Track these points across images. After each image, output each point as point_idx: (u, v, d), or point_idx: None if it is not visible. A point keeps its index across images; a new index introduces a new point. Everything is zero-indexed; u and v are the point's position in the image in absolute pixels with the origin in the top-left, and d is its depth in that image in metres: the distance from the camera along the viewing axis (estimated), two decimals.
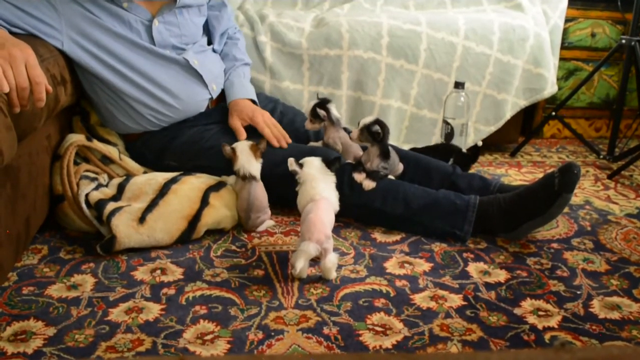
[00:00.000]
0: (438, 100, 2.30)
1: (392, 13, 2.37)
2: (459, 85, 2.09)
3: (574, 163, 1.61)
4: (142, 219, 1.54)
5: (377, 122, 1.67)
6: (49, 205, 1.62)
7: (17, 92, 1.24)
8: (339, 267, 1.48)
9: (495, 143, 2.56)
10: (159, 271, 1.46)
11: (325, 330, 1.24)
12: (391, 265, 1.52)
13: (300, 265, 1.38)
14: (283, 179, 1.66)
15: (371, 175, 1.69)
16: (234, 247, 1.60)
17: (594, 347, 1.18)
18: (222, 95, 1.96)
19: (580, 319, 1.31)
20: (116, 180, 1.71)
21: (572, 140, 2.79)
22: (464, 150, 2.04)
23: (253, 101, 1.93)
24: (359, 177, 1.69)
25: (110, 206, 1.56)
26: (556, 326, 1.28)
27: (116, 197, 1.64)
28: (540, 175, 1.80)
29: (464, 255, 1.59)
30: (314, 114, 1.79)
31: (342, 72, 2.23)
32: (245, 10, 2.35)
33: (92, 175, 1.69)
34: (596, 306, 1.36)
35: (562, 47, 2.60)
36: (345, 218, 1.76)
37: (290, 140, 1.84)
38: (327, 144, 1.83)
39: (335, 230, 1.67)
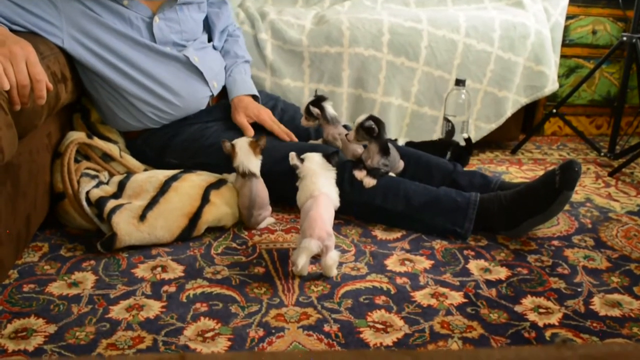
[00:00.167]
0: (439, 98, 2.30)
1: (393, 10, 2.37)
2: (459, 82, 2.09)
3: (575, 160, 1.61)
4: (142, 217, 1.54)
5: (371, 118, 1.67)
6: (49, 203, 1.62)
7: (18, 89, 1.24)
8: (340, 264, 1.48)
9: (496, 140, 2.56)
10: (159, 269, 1.46)
11: (326, 328, 1.24)
12: (392, 263, 1.52)
13: (302, 262, 1.38)
14: (284, 177, 1.66)
15: (372, 172, 1.69)
16: (234, 245, 1.60)
17: (595, 344, 1.18)
18: (223, 92, 1.96)
19: (581, 316, 1.31)
20: (117, 178, 1.71)
21: (573, 138, 2.78)
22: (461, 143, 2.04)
23: (255, 97, 1.94)
24: (359, 174, 1.69)
25: (111, 204, 1.56)
26: (557, 323, 1.28)
27: (117, 195, 1.64)
28: (541, 173, 1.80)
29: (465, 252, 1.59)
30: (308, 111, 1.79)
31: (342, 69, 2.23)
32: (246, 8, 2.35)
33: (92, 172, 1.69)
34: (597, 303, 1.36)
35: (563, 45, 2.59)
36: (346, 215, 1.76)
37: (294, 137, 1.85)
38: (327, 141, 1.84)
39: (336, 227, 1.67)
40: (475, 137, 2.39)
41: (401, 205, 1.68)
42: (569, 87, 2.69)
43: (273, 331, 1.23)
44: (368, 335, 1.22)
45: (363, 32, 2.21)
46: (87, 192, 1.59)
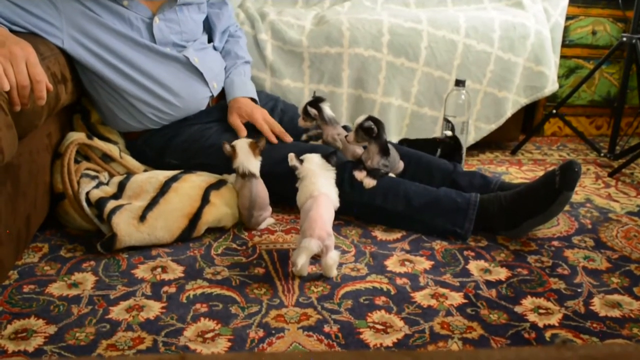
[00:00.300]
0: (439, 98, 2.30)
1: (393, 11, 2.37)
2: (459, 83, 2.09)
3: (575, 161, 1.61)
4: (142, 217, 1.54)
5: (370, 118, 1.67)
6: (49, 204, 1.62)
7: (18, 90, 1.24)
8: (340, 265, 1.48)
9: (496, 141, 2.56)
10: (159, 269, 1.46)
11: (326, 328, 1.24)
12: (392, 263, 1.52)
13: (302, 262, 1.38)
14: (284, 177, 1.66)
15: (372, 173, 1.69)
16: (234, 245, 1.60)
17: (595, 345, 1.17)
18: (223, 93, 1.96)
19: (581, 316, 1.31)
20: (117, 179, 1.71)
21: (573, 138, 2.78)
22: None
23: (253, 99, 1.93)
24: (359, 175, 1.69)
25: (111, 204, 1.56)
26: (557, 324, 1.28)
27: (117, 196, 1.64)
28: (541, 173, 1.80)
29: (465, 253, 1.59)
30: (305, 112, 1.79)
31: (342, 70, 2.23)
32: (246, 9, 2.35)
33: (92, 173, 1.69)
34: (597, 304, 1.36)
35: (563, 45, 2.59)
36: (346, 216, 1.76)
37: (290, 138, 1.85)
38: (327, 142, 1.84)
39: (336, 228, 1.67)
40: (475, 137, 2.39)
41: (401, 206, 1.68)
42: (568, 88, 2.69)
43: (273, 332, 1.23)
44: (368, 335, 1.22)
45: (363, 33, 2.21)
46: (87, 193, 1.59)
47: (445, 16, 2.33)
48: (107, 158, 1.78)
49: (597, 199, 2.01)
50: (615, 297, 1.40)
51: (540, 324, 1.28)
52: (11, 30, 1.46)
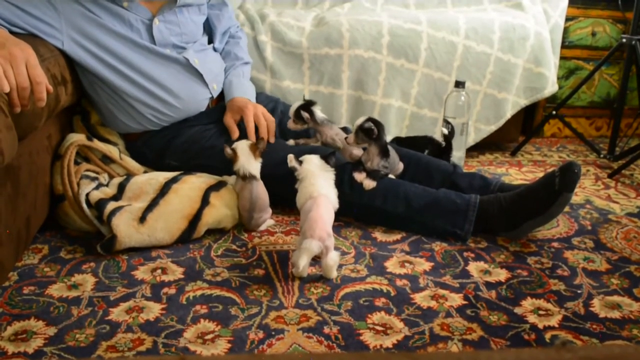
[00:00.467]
0: (438, 100, 2.30)
1: (393, 12, 2.37)
2: (459, 84, 2.09)
3: (575, 162, 1.61)
4: (142, 219, 1.54)
5: (370, 120, 1.67)
6: (49, 205, 1.62)
7: (18, 91, 1.24)
8: (340, 266, 1.48)
9: (495, 142, 2.56)
10: (159, 271, 1.46)
11: (326, 330, 1.24)
12: (392, 265, 1.52)
13: (303, 263, 1.38)
14: (284, 179, 1.66)
15: (371, 174, 1.69)
16: (234, 247, 1.60)
17: (595, 346, 1.18)
18: (223, 94, 1.95)
19: (581, 318, 1.31)
20: (117, 180, 1.71)
21: (573, 140, 2.78)
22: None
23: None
24: (359, 176, 1.69)
25: (111, 206, 1.56)
26: (557, 325, 1.28)
27: (117, 197, 1.64)
28: (541, 175, 1.80)
29: (465, 254, 1.59)
30: (297, 115, 1.79)
31: (342, 71, 2.23)
32: (246, 10, 2.35)
33: (92, 174, 1.69)
34: (597, 305, 1.36)
35: (563, 46, 2.60)
36: (346, 217, 1.76)
37: (272, 140, 1.83)
38: (326, 143, 1.83)
39: (336, 229, 1.67)
40: (475, 138, 2.40)
41: (401, 207, 1.68)
42: (568, 89, 2.69)
43: (273, 333, 1.23)
44: (368, 337, 1.22)
45: (363, 34, 2.22)
46: (87, 194, 1.59)
47: (445, 17, 2.33)
48: (107, 159, 1.78)
49: (596, 200, 2.01)
50: (615, 298, 1.40)
51: (540, 325, 1.28)
52: (11, 32, 1.47)
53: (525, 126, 2.69)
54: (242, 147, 1.68)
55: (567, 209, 1.84)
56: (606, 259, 1.58)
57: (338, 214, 1.58)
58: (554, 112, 2.54)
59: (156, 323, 1.25)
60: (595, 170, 2.36)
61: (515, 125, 2.52)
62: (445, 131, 2.00)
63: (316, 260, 1.47)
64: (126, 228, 1.51)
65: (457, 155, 2.11)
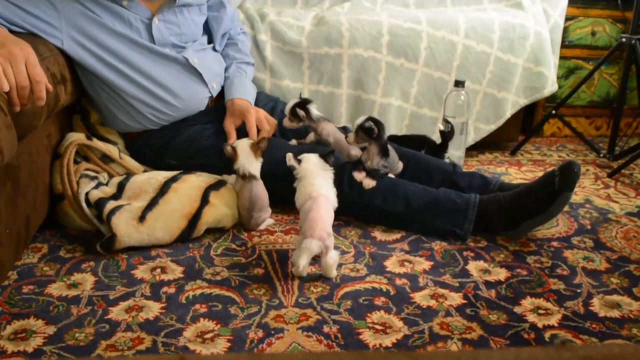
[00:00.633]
0: (438, 99, 2.30)
1: (393, 11, 2.37)
2: (459, 83, 2.09)
3: (574, 161, 1.61)
4: (142, 218, 1.54)
5: (370, 119, 1.67)
6: (49, 204, 1.62)
7: (17, 90, 1.24)
8: (339, 265, 1.48)
9: (495, 142, 2.56)
10: (159, 270, 1.46)
11: (326, 329, 1.24)
12: (391, 264, 1.52)
13: (303, 263, 1.39)
14: (284, 178, 1.65)
15: (371, 173, 1.69)
16: (234, 246, 1.60)
17: (595, 346, 1.18)
18: (222, 93, 1.95)
19: (581, 317, 1.31)
20: (116, 179, 1.71)
21: (573, 139, 2.78)
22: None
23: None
24: (359, 175, 1.69)
25: (111, 205, 1.56)
26: (556, 325, 1.28)
27: (116, 196, 1.64)
28: (541, 174, 1.80)
29: (464, 253, 1.59)
30: (293, 113, 1.79)
31: (342, 70, 2.23)
32: (246, 9, 2.35)
33: (92, 174, 1.69)
34: (596, 305, 1.36)
35: (563, 46, 2.60)
36: (346, 216, 1.76)
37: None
38: (322, 140, 1.83)
39: (336, 228, 1.67)
40: (474, 138, 2.40)
41: (401, 207, 1.68)
42: (568, 88, 2.69)
43: (272, 332, 1.23)
44: (367, 336, 1.22)
45: (362, 34, 2.21)
46: (87, 193, 1.59)
47: (444, 17, 2.33)
48: (106, 158, 1.78)
49: (596, 200, 2.01)
50: (615, 297, 1.40)
51: (540, 325, 1.28)
52: (10, 31, 1.46)
53: (525, 125, 2.69)
54: (243, 147, 1.68)
55: (566, 208, 1.84)
56: (606, 259, 1.58)
57: (338, 213, 1.58)
58: (553, 112, 2.54)
59: (156, 322, 1.25)
60: (594, 169, 2.36)
61: (515, 124, 2.52)
62: (442, 127, 2.00)
63: (316, 259, 1.47)
64: (126, 227, 1.51)
65: (457, 154, 2.11)
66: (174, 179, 1.67)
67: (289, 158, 1.58)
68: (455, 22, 2.30)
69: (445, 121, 2.10)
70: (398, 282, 1.44)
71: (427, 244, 1.64)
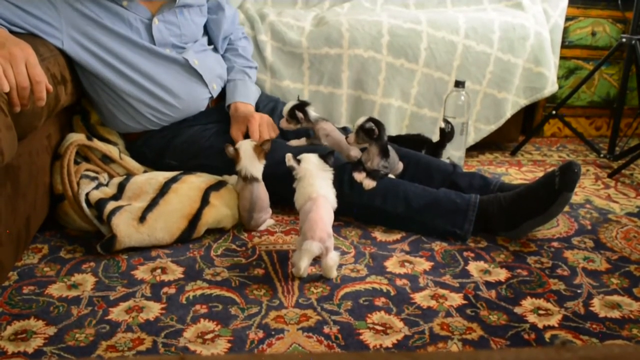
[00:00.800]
0: (438, 99, 2.30)
1: (393, 12, 2.37)
2: (459, 84, 2.09)
3: (575, 162, 1.61)
4: (142, 218, 1.54)
5: (371, 120, 1.67)
6: (49, 205, 1.62)
7: (18, 91, 1.24)
8: (340, 266, 1.48)
9: (495, 142, 2.56)
10: (159, 270, 1.46)
11: (326, 329, 1.24)
12: (391, 264, 1.52)
13: (304, 265, 1.39)
14: (284, 178, 1.65)
15: (371, 174, 1.69)
16: (234, 246, 1.60)
17: (595, 346, 1.18)
18: (223, 94, 1.95)
19: (581, 317, 1.31)
20: (116, 180, 1.71)
21: (573, 139, 2.78)
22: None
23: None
24: (359, 176, 1.69)
25: (111, 205, 1.56)
26: (556, 325, 1.28)
27: (116, 197, 1.64)
28: (541, 174, 1.80)
29: (465, 254, 1.59)
30: (291, 115, 1.79)
31: (342, 71, 2.23)
32: (246, 10, 2.35)
33: (92, 174, 1.69)
34: (596, 305, 1.36)
35: (563, 46, 2.60)
36: (346, 217, 1.76)
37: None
38: (318, 136, 1.83)
39: (336, 229, 1.67)
40: (475, 138, 2.40)
41: (401, 207, 1.68)
42: (568, 89, 2.69)
43: (273, 333, 1.23)
44: (368, 337, 1.22)
45: (362, 34, 2.21)
46: (87, 194, 1.59)
47: (444, 17, 2.33)
48: (106, 159, 1.78)
49: (596, 200, 2.01)
50: (615, 298, 1.40)
51: (540, 325, 1.28)
52: (11, 31, 1.47)
53: (525, 126, 2.69)
54: (246, 149, 1.67)
55: (567, 208, 1.83)
56: (606, 259, 1.58)
57: (338, 214, 1.58)
58: (553, 112, 2.54)
59: (156, 323, 1.25)
60: (595, 169, 2.36)
61: (515, 125, 2.52)
62: (442, 124, 2.00)
63: (316, 260, 1.47)
64: (126, 228, 1.51)
65: (457, 155, 2.11)
66: (174, 180, 1.67)
67: (289, 158, 1.57)
68: (455, 23, 2.30)
69: (446, 121, 2.10)
70: (398, 282, 1.44)
71: (427, 244, 1.64)
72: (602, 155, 2.49)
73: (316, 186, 1.53)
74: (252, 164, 1.66)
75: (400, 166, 1.81)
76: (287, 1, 2.56)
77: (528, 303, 1.36)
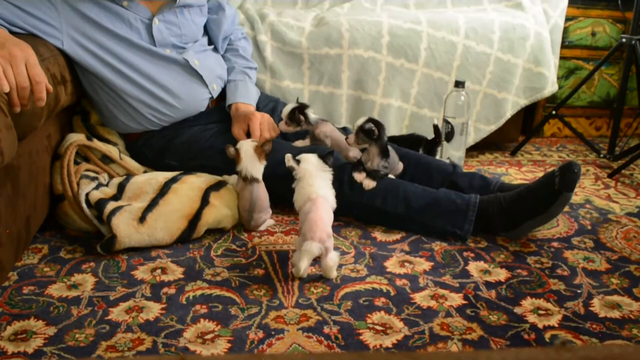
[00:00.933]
0: (438, 100, 2.30)
1: (393, 12, 2.37)
2: (459, 84, 2.09)
3: (575, 162, 1.61)
4: (142, 219, 1.54)
5: (371, 120, 1.67)
6: (49, 205, 1.62)
7: (18, 91, 1.24)
8: (340, 266, 1.48)
9: (495, 142, 2.56)
10: (159, 270, 1.46)
11: (326, 330, 1.24)
12: (391, 265, 1.52)
13: (304, 266, 1.39)
14: (284, 179, 1.65)
15: (371, 174, 1.69)
16: (234, 247, 1.60)
17: (595, 346, 1.18)
18: (223, 94, 1.95)
19: (581, 317, 1.31)
20: (116, 180, 1.71)
21: (573, 139, 2.78)
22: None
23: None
24: (359, 176, 1.69)
25: (111, 205, 1.56)
26: (556, 325, 1.28)
27: (116, 197, 1.64)
28: (541, 174, 1.81)
29: (465, 254, 1.59)
30: (291, 117, 1.79)
31: (342, 71, 2.23)
32: (246, 10, 2.35)
33: (92, 174, 1.69)
34: (596, 305, 1.36)
35: (563, 46, 2.60)
36: (346, 217, 1.76)
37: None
38: (320, 140, 1.83)
39: (336, 229, 1.67)
40: (475, 138, 2.40)
41: (401, 207, 1.68)
42: (568, 89, 2.69)
43: (273, 333, 1.23)
44: (368, 337, 1.22)
45: (362, 34, 2.22)
46: (87, 194, 1.59)
47: (444, 17, 2.33)
48: (106, 159, 1.78)
49: (596, 200, 2.01)
50: (615, 298, 1.40)
51: (540, 325, 1.28)
52: (11, 32, 1.47)
53: (525, 126, 2.69)
54: (247, 149, 1.67)
55: (566, 208, 1.83)
56: (606, 259, 1.58)
57: (338, 214, 1.58)
58: (553, 112, 2.54)
59: (156, 323, 1.25)
60: (595, 170, 2.36)
61: (515, 125, 2.52)
62: (436, 121, 2.00)
63: (316, 260, 1.47)
64: (126, 228, 1.51)
65: (457, 155, 2.11)
66: (174, 180, 1.67)
67: (288, 159, 1.57)
68: (455, 23, 2.30)
69: (446, 122, 2.11)
70: (398, 282, 1.44)
71: (427, 244, 1.64)
72: (602, 156, 2.49)
73: (315, 187, 1.53)
74: (253, 165, 1.66)
75: (400, 166, 1.81)
76: (287, 1, 2.56)
77: (528, 303, 1.36)
